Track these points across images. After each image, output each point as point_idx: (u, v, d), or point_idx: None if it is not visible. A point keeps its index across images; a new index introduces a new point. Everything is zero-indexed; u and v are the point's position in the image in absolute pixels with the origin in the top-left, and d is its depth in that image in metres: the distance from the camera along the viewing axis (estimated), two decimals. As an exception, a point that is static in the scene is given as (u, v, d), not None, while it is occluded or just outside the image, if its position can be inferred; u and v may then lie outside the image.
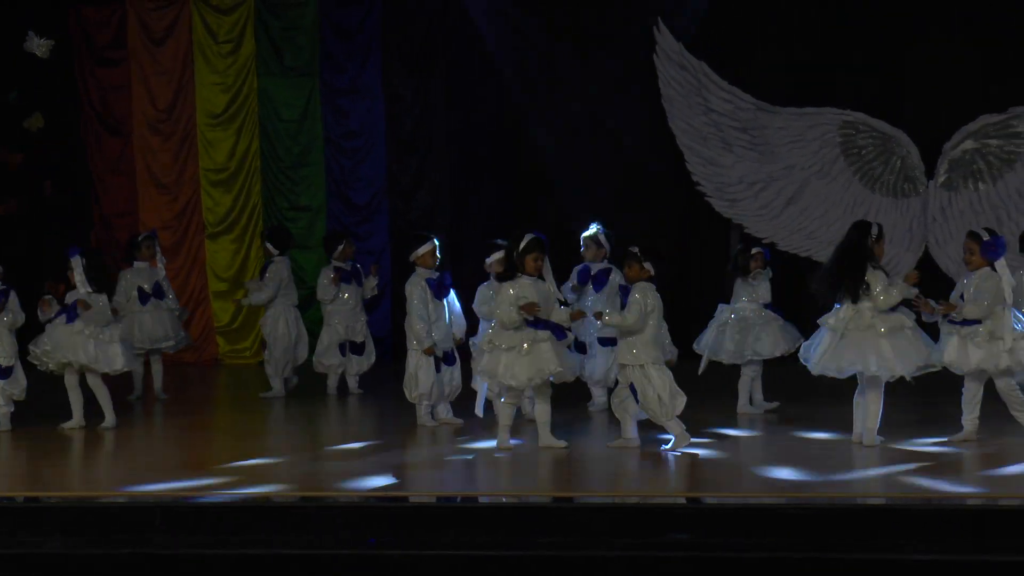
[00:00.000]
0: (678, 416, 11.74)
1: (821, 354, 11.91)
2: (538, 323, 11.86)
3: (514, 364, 11.85)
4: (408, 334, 13.51)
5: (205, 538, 9.40)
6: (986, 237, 12.11)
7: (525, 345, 11.83)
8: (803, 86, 19.25)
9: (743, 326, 14.03)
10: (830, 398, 13.44)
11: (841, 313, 11.83)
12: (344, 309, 16.22)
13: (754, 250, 14.29)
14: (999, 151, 18.74)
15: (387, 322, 19.59)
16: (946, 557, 8.91)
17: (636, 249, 11.93)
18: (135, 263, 15.97)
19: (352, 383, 16.20)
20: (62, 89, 19.89)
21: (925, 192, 18.82)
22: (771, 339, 13.95)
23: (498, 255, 13.07)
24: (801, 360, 12.24)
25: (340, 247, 16.24)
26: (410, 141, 19.88)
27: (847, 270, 11.83)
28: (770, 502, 9.90)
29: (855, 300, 11.74)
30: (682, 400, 11.75)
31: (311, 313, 19.50)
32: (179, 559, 9.25)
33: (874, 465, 11.18)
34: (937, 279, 17.61)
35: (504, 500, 10.21)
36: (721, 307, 14.28)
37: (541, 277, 12.05)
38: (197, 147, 20.00)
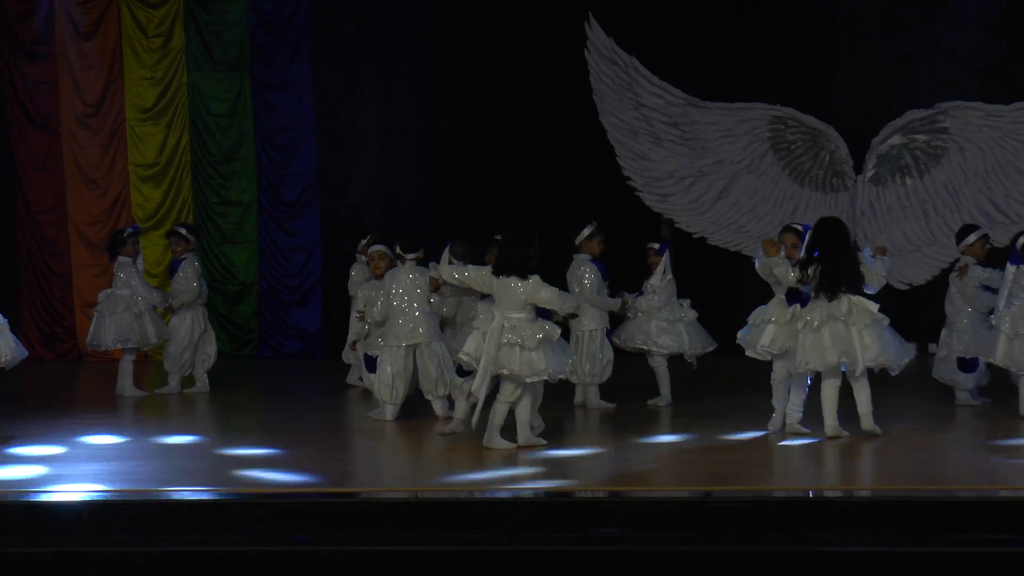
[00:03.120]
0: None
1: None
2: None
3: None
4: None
5: (132, 536, 9.36)
6: (798, 228, 12.43)
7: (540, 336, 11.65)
8: (733, 81, 19.36)
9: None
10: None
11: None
12: None
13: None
14: (926, 146, 18.89)
15: (318, 318, 19.54)
16: (874, 549, 8.97)
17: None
18: (119, 258, 15.79)
19: None
20: (-13, 84, 19.76)
21: (853, 187, 18.94)
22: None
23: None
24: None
25: (364, 240, 15.99)
26: (340, 136, 19.83)
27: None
28: (694, 497, 9.95)
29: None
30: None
31: (243, 309, 19.55)
32: (105, 558, 9.20)
33: (800, 457, 11.28)
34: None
35: (438, 495, 10.20)
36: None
37: None
38: (126, 142, 19.89)
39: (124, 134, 19.87)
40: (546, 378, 11.63)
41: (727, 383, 15.42)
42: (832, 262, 11.78)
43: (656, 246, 14.30)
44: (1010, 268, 12.88)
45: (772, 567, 8.89)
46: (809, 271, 11.80)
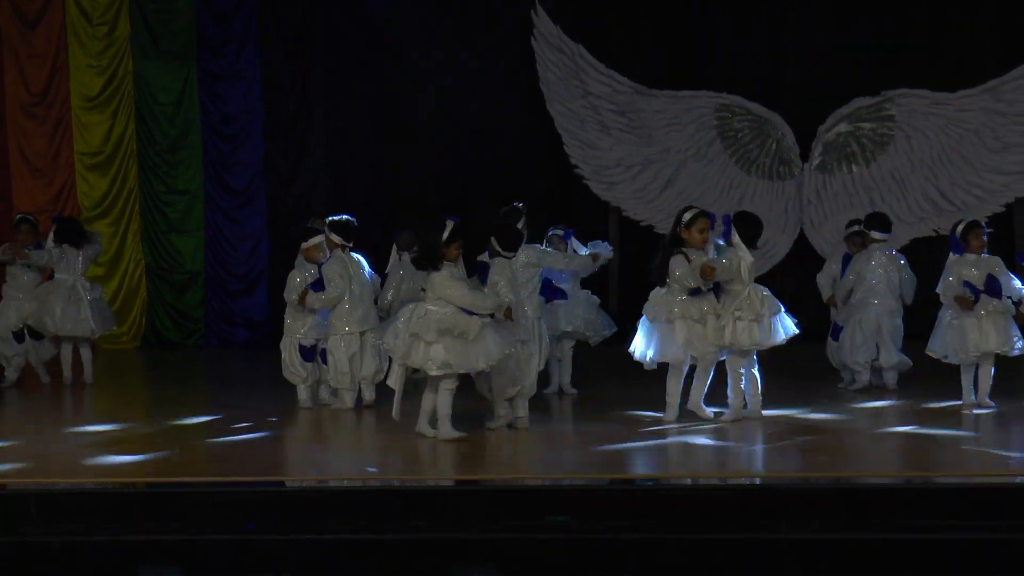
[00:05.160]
0: None
1: (642, 342, 12.19)
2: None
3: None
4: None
5: (79, 526, 9.32)
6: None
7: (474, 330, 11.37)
8: (680, 69, 19.39)
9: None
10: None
11: (650, 297, 12.11)
12: None
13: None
14: (872, 134, 18.98)
15: (265, 307, 19.46)
16: (817, 536, 9.03)
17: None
18: (66, 246, 15.68)
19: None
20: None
21: (800, 174, 19.02)
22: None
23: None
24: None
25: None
26: (288, 126, 19.77)
27: (659, 256, 12.16)
28: (644, 484, 10.00)
29: (661, 284, 12.11)
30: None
31: (189, 297, 19.43)
32: (52, 548, 9.16)
33: (744, 441, 11.35)
34: (809, 258, 17.89)
35: (383, 484, 10.19)
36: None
37: None
38: (72, 131, 19.77)
39: (70, 123, 19.75)
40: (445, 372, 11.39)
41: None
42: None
43: (560, 232, 14.23)
44: (952, 257, 12.91)
45: (721, 554, 8.93)
46: None
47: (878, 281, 14.06)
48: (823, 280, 14.84)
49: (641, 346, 12.20)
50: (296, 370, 13.58)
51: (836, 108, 19.00)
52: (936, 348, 12.93)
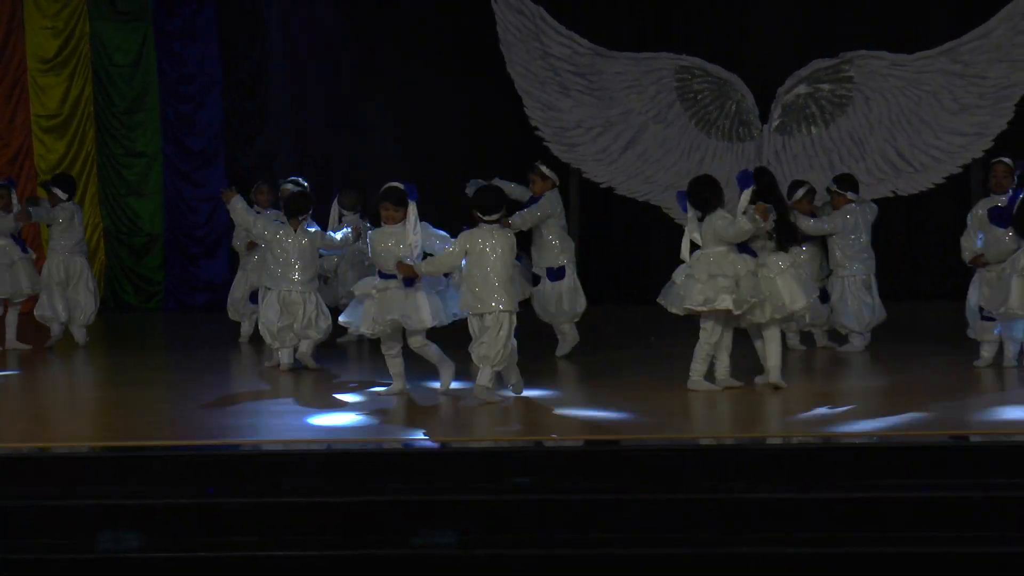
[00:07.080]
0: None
1: None
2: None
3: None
4: None
5: (37, 490, 9.30)
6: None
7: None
8: (639, 31, 19.35)
9: None
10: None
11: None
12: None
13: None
14: (831, 95, 18.99)
15: (225, 270, 19.38)
16: (787, 496, 9.07)
17: None
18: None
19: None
20: None
21: (760, 136, 19.03)
22: None
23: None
24: None
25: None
26: (247, 86, 19.67)
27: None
28: (607, 447, 10.02)
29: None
30: None
31: (148, 261, 19.33)
32: (9, 513, 9.13)
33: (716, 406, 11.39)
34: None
35: (344, 447, 10.18)
36: None
37: None
38: (28, 93, 19.65)
39: (26, 85, 19.62)
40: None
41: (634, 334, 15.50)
42: (783, 212, 12.01)
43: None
44: None
45: (686, 514, 8.96)
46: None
47: (861, 240, 14.23)
48: None
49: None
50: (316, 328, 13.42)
51: (795, 70, 19.00)
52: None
